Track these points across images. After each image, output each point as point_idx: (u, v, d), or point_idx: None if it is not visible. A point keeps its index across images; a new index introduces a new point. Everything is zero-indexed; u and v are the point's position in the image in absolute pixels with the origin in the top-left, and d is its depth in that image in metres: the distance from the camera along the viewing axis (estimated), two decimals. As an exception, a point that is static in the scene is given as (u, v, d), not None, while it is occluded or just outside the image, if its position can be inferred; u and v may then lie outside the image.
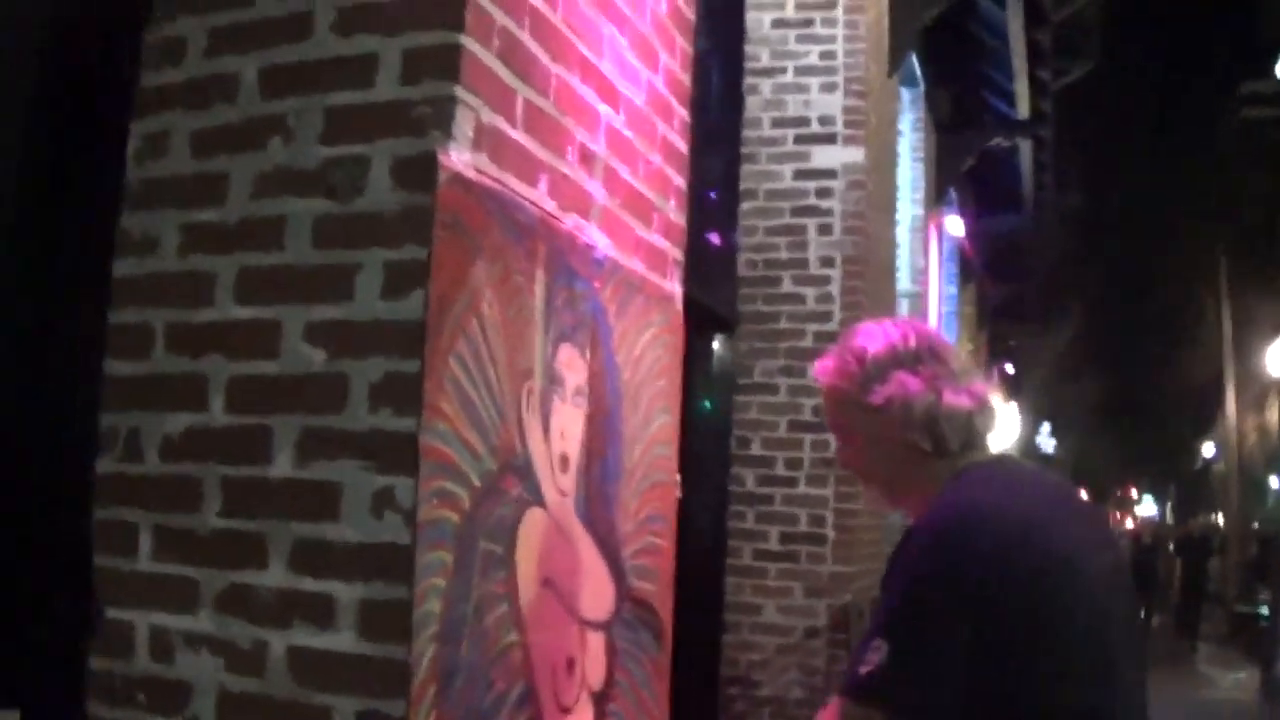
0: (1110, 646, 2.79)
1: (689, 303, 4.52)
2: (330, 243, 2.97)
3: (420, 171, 2.89)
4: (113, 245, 3.22)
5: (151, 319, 3.16)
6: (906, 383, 2.93)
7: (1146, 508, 63.43)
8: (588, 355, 3.58)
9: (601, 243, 3.67)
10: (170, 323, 3.14)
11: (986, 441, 3.01)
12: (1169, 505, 61.22)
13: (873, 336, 3.03)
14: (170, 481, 3.09)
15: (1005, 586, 2.67)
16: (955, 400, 2.93)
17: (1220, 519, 39.46)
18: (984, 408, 2.98)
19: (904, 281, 11.20)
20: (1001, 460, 3.05)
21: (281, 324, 2.99)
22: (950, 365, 3.00)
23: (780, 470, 7.71)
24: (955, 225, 16.43)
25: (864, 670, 2.72)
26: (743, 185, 8.01)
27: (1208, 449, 45.47)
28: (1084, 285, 37.35)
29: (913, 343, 3.00)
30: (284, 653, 2.90)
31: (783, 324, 7.80)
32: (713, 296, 7.61)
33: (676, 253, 4.34)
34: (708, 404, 7.89)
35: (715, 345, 7.96)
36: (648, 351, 4.03)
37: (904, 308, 11.07)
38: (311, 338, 2.95)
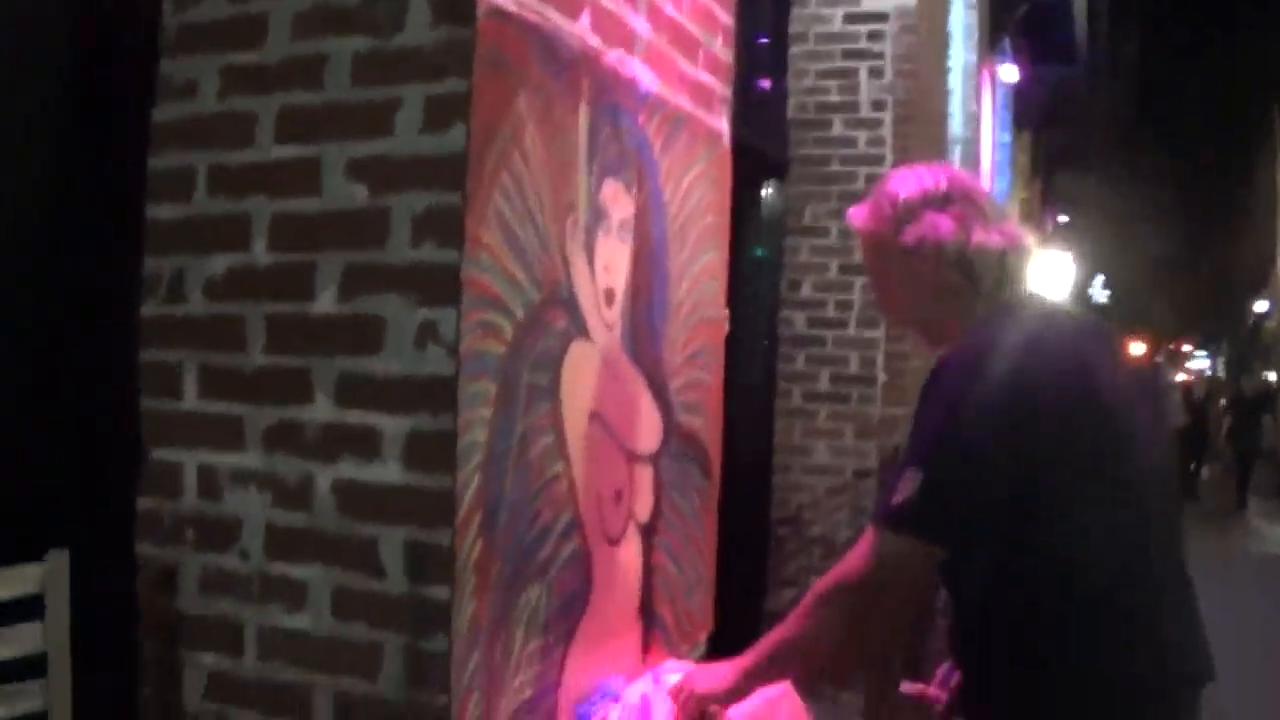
0: (1145, 491, 2.81)
1: (740, 146, 4.49)
2: (370, 79, 2.95)
3: (459, 5, 2.85)
4: (153, 91, 3.21)
5: (193, 161, 3.15)
6: (937, 223, 2.94)
7: (1200, 363, 63.22)
8: (633, 190, 3.56)
9: (646, 77, 3.64)
10: (212, 164, 3.13)
11: (1023, 282, 3.01)
12: (1221, 361, 61.00)
13: (904, 181, 3.05)
14: (214, 321, 3.11)
15: (1038, 421, 2.67)
16: (986, 239, 2.94)
17: (1274, 376, 39.24)
18: (1016, 247, 2.99)
19: (956, 127, 11.09)
20: (1036, 299, 3.05)
21: (322, 161, 2.98)
22: (982, 206, 3.01)
23: (831, 313, 7.68)
24: (1009, 73, 16.28)
25: (897, 500, 2.75)
26: (792, 29, 7.90)
27: (1260, 305, 45.15)
28: (1140, 139, 36.98)
29: (944, 185, 3.01)
30: (330, 486, 2.94)
31: (834, 167, 7.72)
32: (763, 140, 7.57)
33: (724, 89, 4.30)
34: (759, 247, 7.86)
35: (766, 189, 7.91)
36: (694, 187, 4.01)
37: (956, 153, 10.98)
38: (353, 173, 2.94)
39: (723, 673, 3.13)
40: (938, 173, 3.05)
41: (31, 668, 2.75)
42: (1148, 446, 2.87)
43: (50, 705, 2.76)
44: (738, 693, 3.09)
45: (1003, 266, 2.95)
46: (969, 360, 2.80)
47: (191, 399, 3.13)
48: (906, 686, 3.38)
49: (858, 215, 3.13)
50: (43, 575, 2.76)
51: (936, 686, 3.28)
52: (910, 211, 2.97)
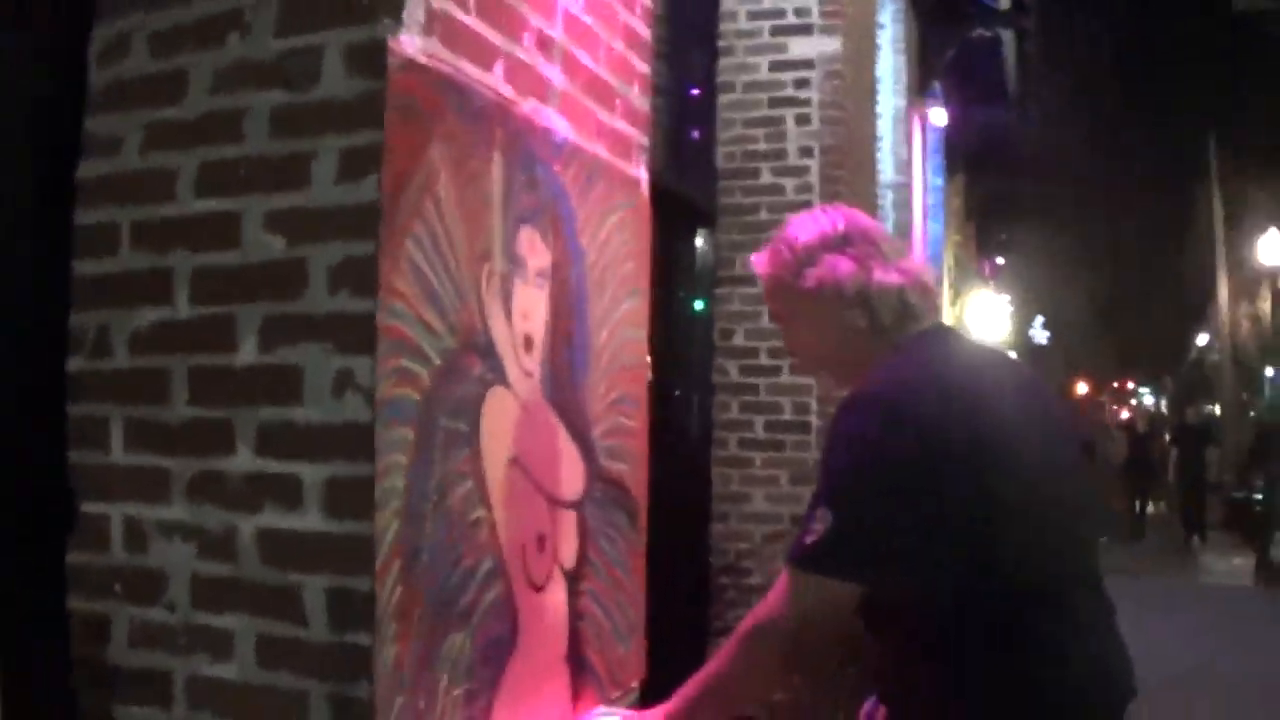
0: (1055, 517, 2.86)
1: (668, 195, 4.54)
2: (287, 132, 2.99)
3: (371, 58, 2.90)
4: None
5: (117, 217, 3.19)
6: (836, 264, 3.01)
7: (1144, 400, 63.47)
8: (550, 238, 3.60)
9: (561, 126, 3.69)
10: (135, 220, 3.17)
11: (926, 318, 3.07)
12: (1164, 398, 61.28)
13: (802, 225, 3.13)
14: (140, 375, 3.13)
15: (942, 450, 2.72)
16: (885, 277, 3.01)
17: (1216, 409, 39.44)
18: (915, 283, 3.05)
19: (887, 173, 11.20)
20: (939, 332, 3.11)
21: (241, 214, 3.02)
22: (880, 245, 3.09)
23: (764, 360, 7.74)
24: (939, 117, 16.40)
25: (808, 540, 2.79)
26: (720, 78, 7.99)
27: (1201, 339, 45.41)
28: (1073, 178, 37.18)
29: (841, 226, 3.08)
30: (254, 535, 2.96)
31: (763, 215, 7.78)
32: (693, 189, 7.64)
33: (641, 138, 4.36)
34: (692, 296, 7.92)
35: (697, 239, 7.97)
36: (614, 235, 4.05)
37: (887, 199, 11.08)
38: (271, 226, 2.98)
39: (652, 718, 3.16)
40: (834, 215, 3.12)
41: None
42: (1057, 473, 2.92)
43: (-20, 760, 2.78)
44: None
45: (903, 303, 3.01)
46: (868, 396, 2.86)
47: (118, 452, 3.15)
48: None
49: (759, 262, 3.19)
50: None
51: None
52: (809, 254, 3.04)
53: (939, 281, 3.43)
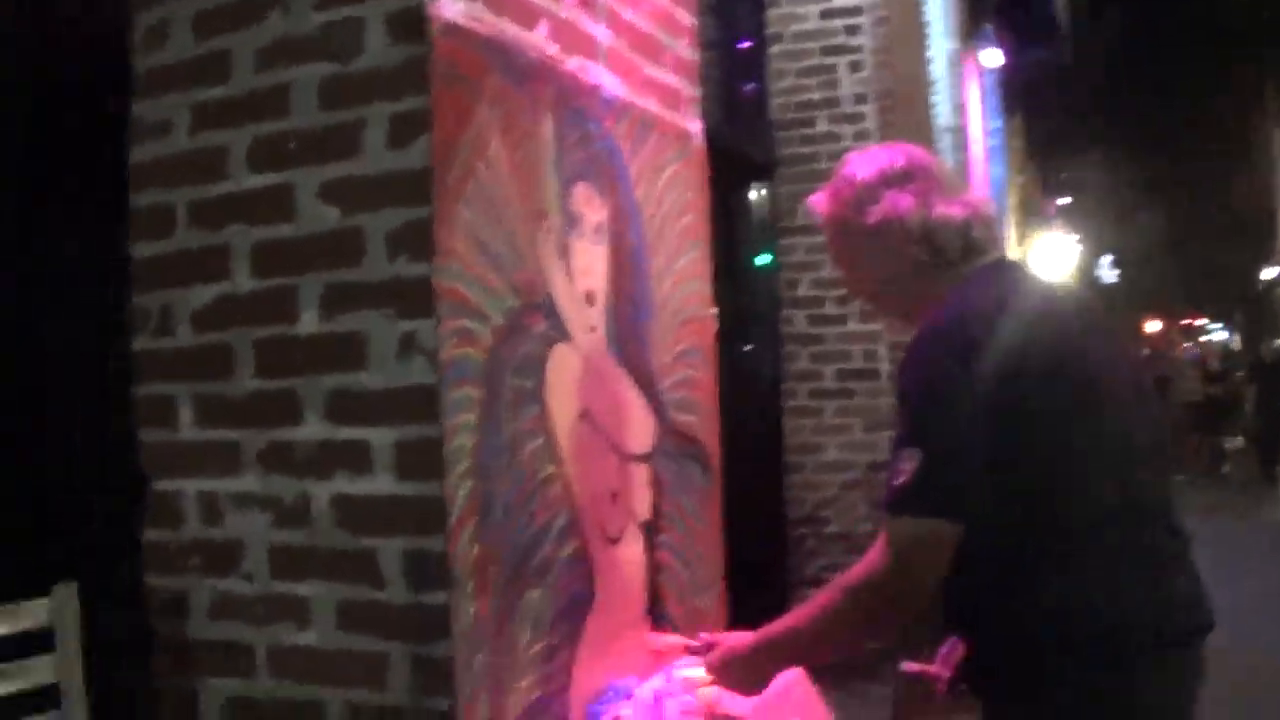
0: (1128, 442, 2.82)
1: (723, 150, 4.52)
2: (335, 103, 3.01)
3: (413, 25, 2.91)
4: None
5: (172, 198, 3.22)
6: (897, 200, 2.97)
7: (1215, 335, 62.75)
8: (605, 194, 3.61)
9: (610, 82, 3.68)
10: (190, 200, 3.20)
11: (990, 251, 3.03)
12: (1234, 333, 60.60)
13: (862, 162, 3.08)
14: (203, 351, 3.17)
15: (1017, 379, 2.69)
16: (947, 210, 2.97)
17: (1289, 342, 38.84)
18: (978, 216, 3.01)
19: (943, 116, 11.09)
20: (1004, 264, 3.07)
21: (295, 187, 3.04)
22: (940, 180, 3.04)
23: (830, 309, 7.72)
24: (992, 58, 16.25)
25: (898, 481, 2.73)
26: (769, 29, 7.95)
27: (1269, 272, 44.80)
28: (1133, 112, 36.78)
29: (901, 162, 3.03)
30: (327, 502, 2.99)
31: (822, 164, 7.73)
32: (748, 143, 7.62)
33: (691, 90, 4.34)
34: (756, 250, 7.90)
35: (757, 192, 7.95)
36: (669, 188, 4.05)
37: (944, 142, 10.98)
38: (325, 196, 3.01)
39: (744, 640, 3.14)
40: (894, 151, 3.08)
41: (46, 701, 2.80)
42: (1127, 403, 2.89)
43: (64, 735, 2.81)
44: (753, 665, 3.11)
45: (967, 236, 2.97)
46: (939, 328, 2.82)
47: (187, 428, 3.19)
48: (907, 665, 3.39)
49: (819, 202, 3.16)
50: (50, 609, 2.81)
51: (939, 664, 3.29)
52: (870, 191, 3.00)
53: (1001, 215, 3.36)
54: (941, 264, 2.96)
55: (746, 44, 7.92)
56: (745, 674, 3.11)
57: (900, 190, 2.98)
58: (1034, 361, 2.71)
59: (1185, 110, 37.51)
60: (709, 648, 3.26)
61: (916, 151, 3.12)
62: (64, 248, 3.33)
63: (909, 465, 2.70)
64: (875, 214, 2.98)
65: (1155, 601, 2.74)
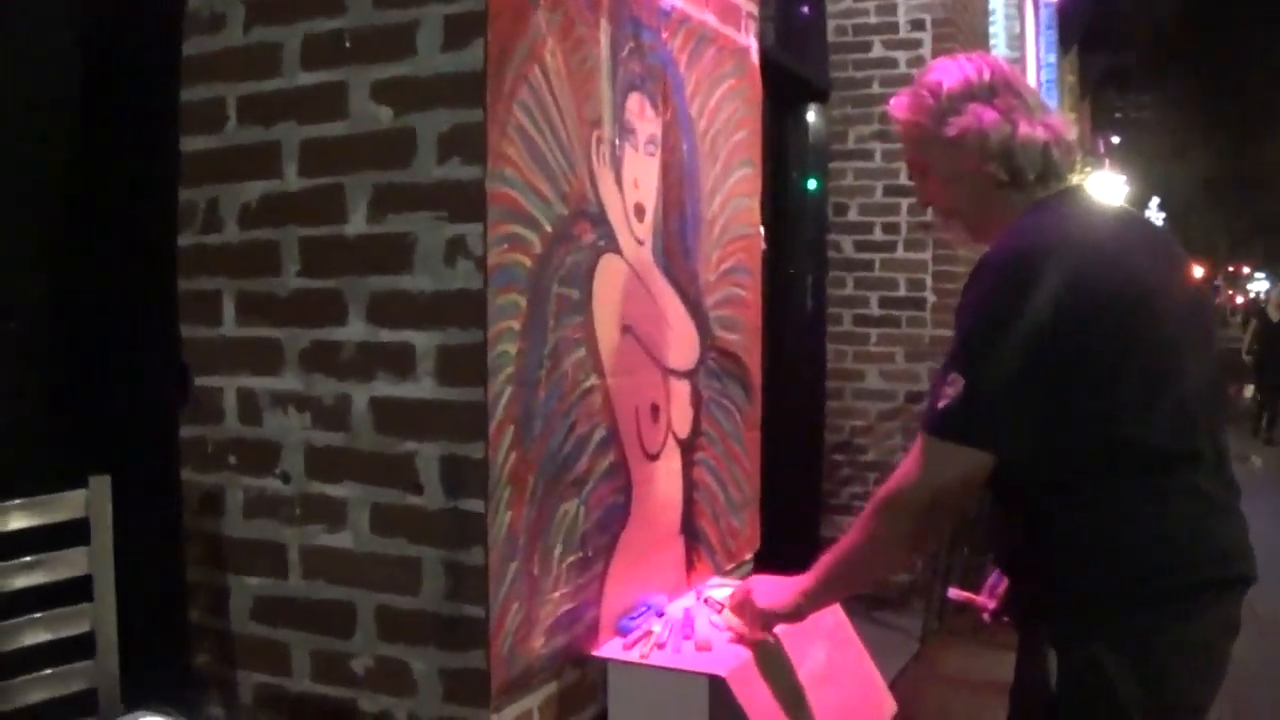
0: (1186, 383, 2.77)
1: (780, 70, 4.47)
2: (390, 2, 2.97)
3: (475, -76, 2.88)
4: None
5: (223, 93, 3.20)
6: (981, 114, 2.89)
7: (1259, 284, 62.24)
8: (659, 106, 3.57)
9: (668, -7, 3.64)
10: (241, 95, 3.18)
11: (1067, 177, 2.97)
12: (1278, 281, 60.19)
13: (948, 71, 2.98)
14: (249, 248, 3.15)
15: (1076, 313, 2.64)
16: (1030, 131, 2.89)
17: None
18: (1059, 140, 2.93)
19: (1000, 48, 10.98)
20: (1078, 192, 3.00)
21: (348, 85, 3.01)
22: (1026, 98, 2.95)
23: (878, 235, 7.68)
24: (1052, -11, 16.08)
25: (940, 405, 2.70)
26: (829, -49, 7.88)
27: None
28: (1188, 55, 36.39)
29: (987, 76, 2.94)
30: (367, 404, 2.98)
31: (875, 89, 7.70)
32: (804, 64, 7.55)
33: (750, 6, 4.29)
34: (805, 173, 7.85)
35: (809, 114, 7.89)
36: (724, 103, 4.01)
37: (1002, 72, 10.88)
38: (378, 96, 2.97)
39: (784, 592, 3.10)
40: (980, 63, 2.99)
41: (78, 592, 2.80)
42: (1189, 344, 2.84)
43: (96, 627, 2.81)
44: (798, 614, 3.08)
45: (1047, 160, 2.89)
46: (1003, 256, 2.76)
47: (230, 325, 3.18)
48: (954, 593, 3.38)
49: (899, 107, 3.07)
50: (86, 500, 2.80)
51: (986, 594, 3.27)
52: (953, 102, 2.92)
53: (1081, 141, 3.27)
54: (1018, 185, 2.88)
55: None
56: (792, 617, 3.10)
57: (985, 105, 2.89)
58: (1097, 298, 2.66)
59: (1247, 54, 37.09)
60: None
61: (1003, 65, 3.03)
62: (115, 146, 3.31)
63: (952, 390, 2.67)
64: (956, 126, 2.89)
65: (1209, 546, 2.71)
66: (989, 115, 2.88)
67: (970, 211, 3.01)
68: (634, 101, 3.42)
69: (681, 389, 3.74)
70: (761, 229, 4.37)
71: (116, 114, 3.27)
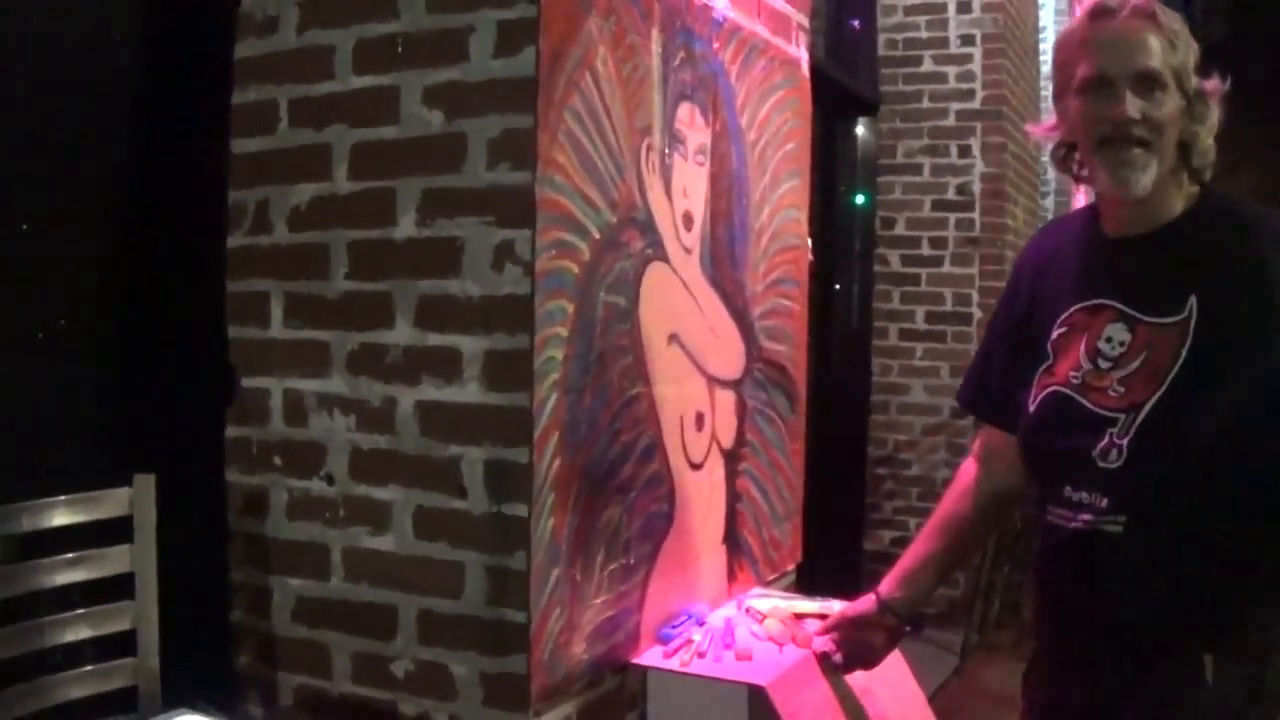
0: None
1: (831, 84, 4.47)
2: (443, 7, 2.98)
3: (527, -69, 2.88)
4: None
5: (275, 95, 3.21)
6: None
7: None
8: (710, 115, 3.57)
9: (720, 3, 3.64)
10: (293, 97, 3.19)
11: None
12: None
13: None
14: (299, 250, 3.16)
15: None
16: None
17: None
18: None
19: (1051, 62, 10.96)
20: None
21: (400, 89, 3.02)
22: None
23: (925, 250, 7.67)
24: (1105, 5, 15.99)
25: None
26: (881, -35, 7.88)
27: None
28: (1238, 71, 36.09)
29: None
30: (412, 407, 2.99)
31: (924, 104, 7.70)
32: (854, 78, 7.56)
33: (801, 18, 4.29)
34: (854, 186, 7.86)
35: (859, 127, 7.89)
36: (774, 114, 4.01)
37: (1049, 89, 10.86)
38: (429, 100, 2.98)
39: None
40: None
41: (120, 589, 2.82)
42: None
43: (137, 625, 2.83)
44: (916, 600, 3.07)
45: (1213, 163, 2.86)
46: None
47: (277, 326, 3.19)
48: None
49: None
50: (130, 498, 2.82)
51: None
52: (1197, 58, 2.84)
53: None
54: (1183, 169, 2.80)
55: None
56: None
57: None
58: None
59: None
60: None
61: None
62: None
63: None
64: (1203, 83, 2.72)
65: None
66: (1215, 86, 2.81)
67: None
68: (684, 110, 3.42)
69: (727, 399, 3.74)
70: (809, 241, 4.36)
71: (168, 115, 3.28)
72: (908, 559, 3.02)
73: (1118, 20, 2.61)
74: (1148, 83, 2.57)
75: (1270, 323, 2.51)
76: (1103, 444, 2.64)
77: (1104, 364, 2.67)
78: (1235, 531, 2.56)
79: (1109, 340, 2.69)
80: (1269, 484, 2.53)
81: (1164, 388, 2.57)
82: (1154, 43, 2.59)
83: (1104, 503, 2.63)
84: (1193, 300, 2.57)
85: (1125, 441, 2.62)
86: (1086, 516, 2.67)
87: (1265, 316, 2.52)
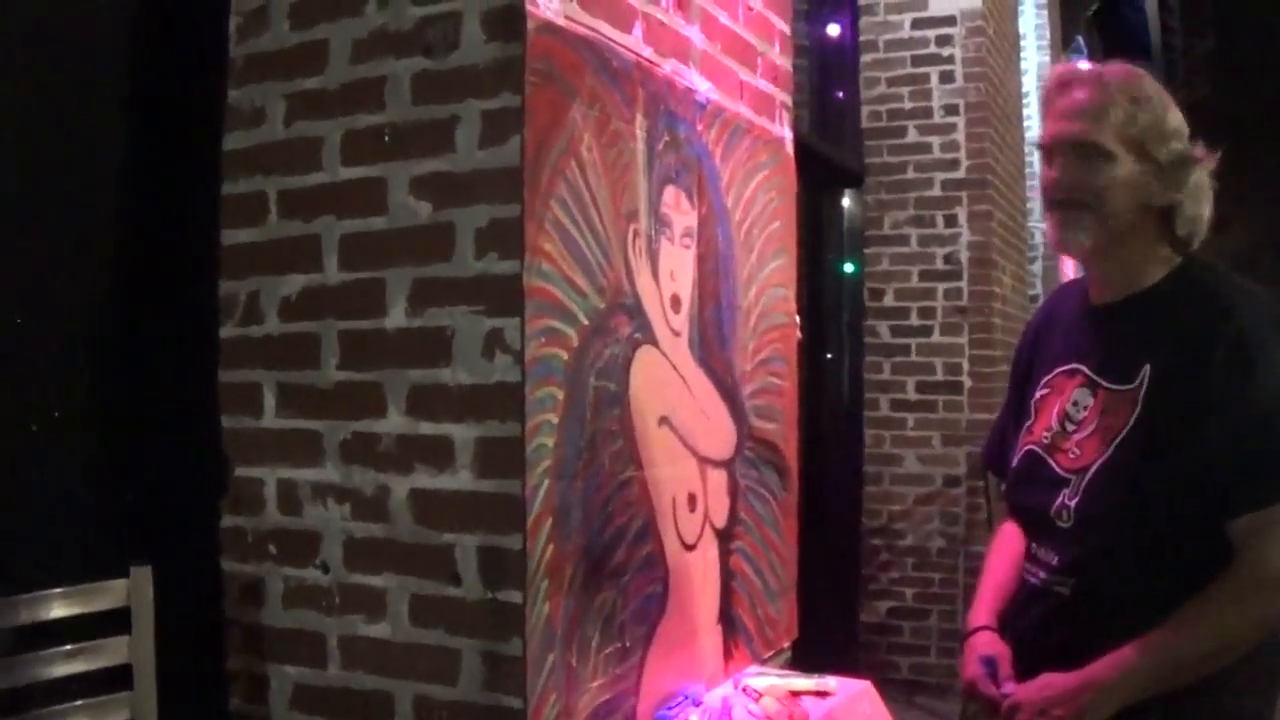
0: None
1: (814, 156, 4.50)
2: (429, 98, 3.01)
3: (510, 22, 2.91)
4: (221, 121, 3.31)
5: (264, 187, 3.24)
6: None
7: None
8: (695, 198, 3.60)
9: (703, 86, 3.68)
10: (282, 189, 3.22)
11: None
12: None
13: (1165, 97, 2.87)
14: (290, 340, 3.18)
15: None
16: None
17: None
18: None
19: (1035, 130, 11.03)
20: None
21: (387, 180, 3.05)
22: None
23: (914, 320, 7.70)
24: (1086, 73, 16.07)
25: None
26: (862, 37, 7.93)
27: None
28: (1220, 132, 36.17)
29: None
30: (406, 496, 3.00)
31: (909, 174, 7.75)
32: (839, 150, 7.62)
33: (784, 97, 4.34)
34: (842, 257, 7.90)
35: (844, 199, 7.94)
36: (759, 194, 4.04)
37: (1036, 156, 10.91)
38: (417, 191, 3.01)
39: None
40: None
41: (118, 680, 2.82)
42: None
43: (136, 716, 2.83)
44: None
45: (1198, 237, 2.92)
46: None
47: (270, 416, 3.21)
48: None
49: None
50: (128, 589, 2.83)
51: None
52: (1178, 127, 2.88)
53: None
54: (1163, 238, 2.83)
55: (839, 52, 7.91)
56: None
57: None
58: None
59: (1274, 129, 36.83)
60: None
61: None
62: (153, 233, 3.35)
63: None
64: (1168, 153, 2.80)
65: None
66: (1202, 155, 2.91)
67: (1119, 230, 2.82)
68: (670, 194, 3.45)
69: (718, 479, 3.75)
70: (797, 318, 4.39)
71: (159, 204, 3.31)
72: (989, 588, 3.04)
73: (1071, 93, 2.75)
74: (1085, 151, 2.72)
75: (1203, 408, 2.59)
76: (1057, 504, 2.74)
77: (1070, 426, 2.78)
78: (1178, 600, 2.59)
79: (1075, 404, 2.79)
80: (1210, 553, 2.57)
81: (1109, 452, 2.66)
82: (1108, 113, 2.69)
83: (1055, 561, 2.76)
84: (1146, 369, 2.65)
85: (1074, 504, 2.70)
86: (1043, 575, 2.81)
87: (1202, 399, 2.59)
